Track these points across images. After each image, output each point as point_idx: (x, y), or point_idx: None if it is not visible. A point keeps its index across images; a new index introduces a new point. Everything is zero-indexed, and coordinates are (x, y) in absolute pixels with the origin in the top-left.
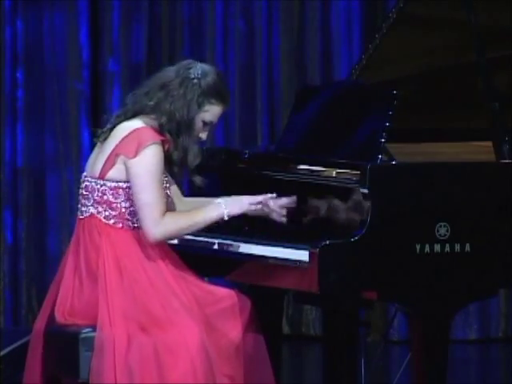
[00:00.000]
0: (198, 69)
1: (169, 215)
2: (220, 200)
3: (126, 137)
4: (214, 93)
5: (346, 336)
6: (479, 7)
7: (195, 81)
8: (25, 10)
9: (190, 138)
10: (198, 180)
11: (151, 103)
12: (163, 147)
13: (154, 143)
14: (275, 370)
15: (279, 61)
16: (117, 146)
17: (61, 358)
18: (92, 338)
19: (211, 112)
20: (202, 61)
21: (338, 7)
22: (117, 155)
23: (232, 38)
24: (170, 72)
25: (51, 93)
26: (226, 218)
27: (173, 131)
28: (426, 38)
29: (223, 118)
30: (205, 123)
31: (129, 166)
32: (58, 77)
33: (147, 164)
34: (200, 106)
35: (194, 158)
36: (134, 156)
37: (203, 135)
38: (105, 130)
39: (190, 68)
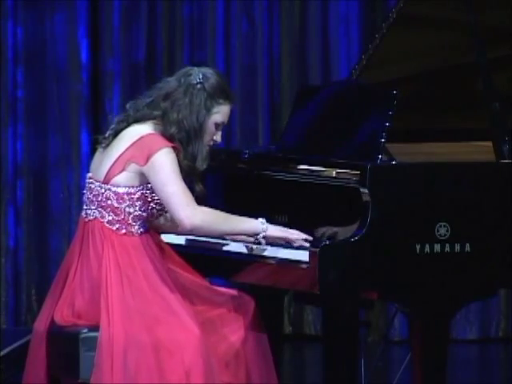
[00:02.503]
0: (198, 73)
1: (202, 207)
2: (263, 219)
3: (135, 143)
4: (220, 93)
5: (346, 336)
6: (479, 7)
7: (199, 86)
8: (25, 10)
9: (200, 144)
10: (198, 188)
11: (157, 113)
12: (174, 152)
13: (164, 147)
14: (276, 370)
15: (280, 61)
16: (126, 150)
17: (61, 358)
18: (92, 338)
19: (221, 112)
20: (201, 62)
21: (337, 7)
22: (127, 161)
23: (233, 38)
24: (171, 82)
25: (51, 93)
26: (261, 235)
27: (183, 140)
28: (426, 37)
29: None
30: (217, 125)
31: (143, 171)
32: (58, 77)
33: (162, 163)
34: (209, 109)
35: (202, 162)
36: (146, 163)
37: (218, 137)
38: (107, 135)
39: (190, 74)
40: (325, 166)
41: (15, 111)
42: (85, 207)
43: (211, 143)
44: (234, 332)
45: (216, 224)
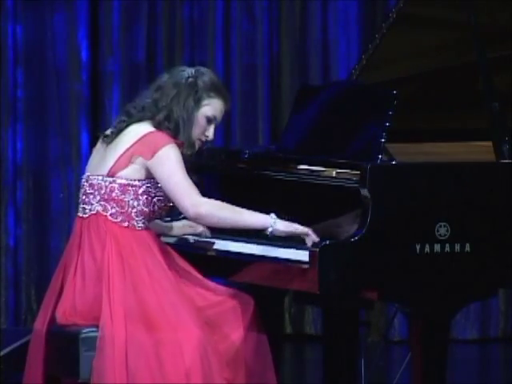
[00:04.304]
0: (192, 70)
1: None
2: (273, 214)
3: (141, 139)
4: (213, 88)
5: (346, 336)
6: (479, 7)
7: (190, 79)
8: (25, 10)
9: (190, 134)
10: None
11: (148, 101)
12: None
13: (169, 143)
14: (276, 370)
15: (280, 61)
16: (131, 146)
17: (61, 357)
18: (92, 338)
19: (212, 106)
20: (202, 61)
21: (337, 7)
22: (133, 155)
23: (233, 38)
24: (164, 77)
25: (51, 93)
26: (270, 229)
27: (171, 129)
28: (426, 37)
29: (224, 117)
30: (208, 119)
31: (148, 165)
32: (58, 77)
33: (169, 155)
34: (198, 101)
35: (187, 149)
36: (151, 157)
37: (209, 133)
38: (109, 132)
39: (183, 70)
40: (325, 166)
41: (15, 111)
42: (81, 205)
43: (203, 139)
44: (234, 331)
45: (220, 213)
